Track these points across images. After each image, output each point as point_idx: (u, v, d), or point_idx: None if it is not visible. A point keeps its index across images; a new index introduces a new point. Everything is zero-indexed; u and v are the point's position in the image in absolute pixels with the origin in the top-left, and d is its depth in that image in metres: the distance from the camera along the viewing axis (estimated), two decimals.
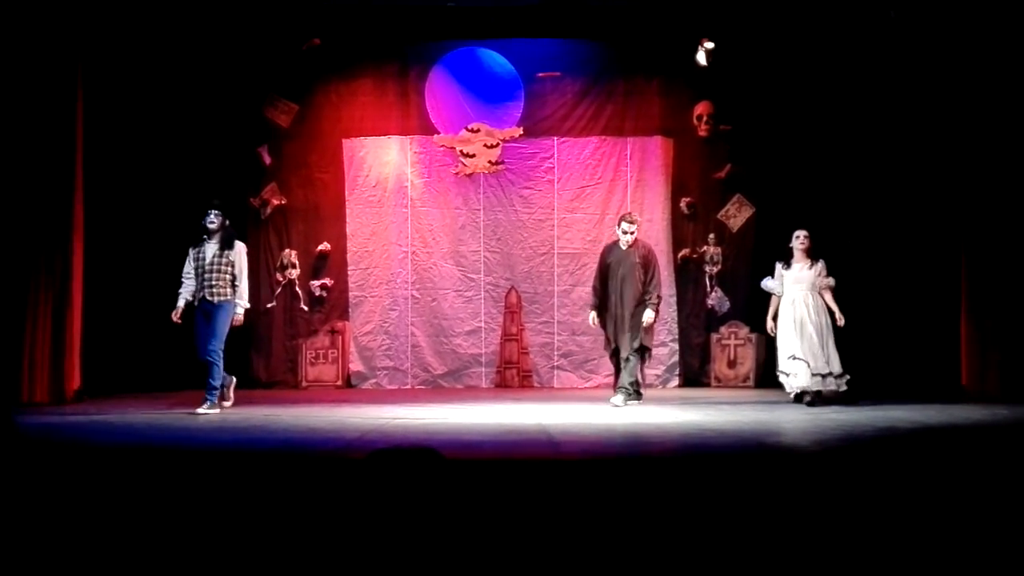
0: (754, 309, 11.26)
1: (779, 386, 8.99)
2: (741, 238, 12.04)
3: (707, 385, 11.64)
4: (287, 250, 12.22)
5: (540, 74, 12.19)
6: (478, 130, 12.22)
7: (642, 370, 9.70)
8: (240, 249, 8.72)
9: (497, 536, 3.61)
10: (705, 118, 12.04)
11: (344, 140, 12.27)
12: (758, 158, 11.82)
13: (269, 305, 12.17)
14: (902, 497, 4.06)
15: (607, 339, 9.46)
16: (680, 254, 11.97)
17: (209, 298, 8.51)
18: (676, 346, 11.89)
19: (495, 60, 12.28)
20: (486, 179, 12.22)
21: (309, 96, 12.25)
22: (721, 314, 11.92)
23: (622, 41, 12.01)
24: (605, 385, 11.93)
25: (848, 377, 8.69)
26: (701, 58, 11.24)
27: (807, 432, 6.32)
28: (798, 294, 8.87)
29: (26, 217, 9.35)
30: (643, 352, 9.31)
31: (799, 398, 8.74)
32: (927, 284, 10.67)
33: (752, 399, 9.63)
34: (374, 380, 12.09)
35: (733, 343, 11.80)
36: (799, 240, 8.97)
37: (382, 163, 12.27)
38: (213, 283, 8.51)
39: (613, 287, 9.25)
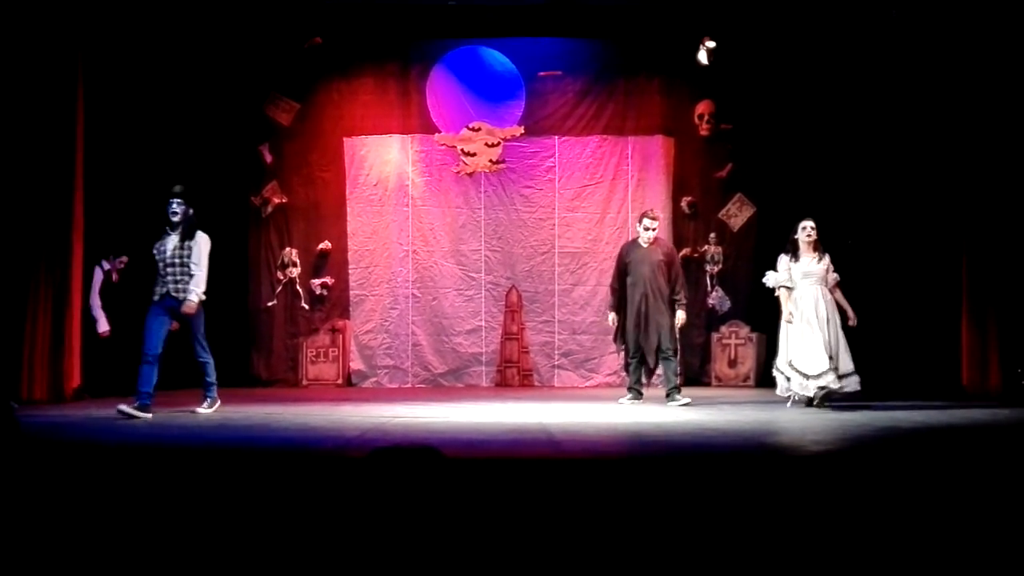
0: (755, 309, 11.26)
1: None
2: (742, 237, 12.04)
3: (707, 385, 11.64)
4: (288, 248, 12.23)
5: (541, 73, 12.19)
6: (479, 129, 12.22)
7: (654, 372, 9.42)
8: (202, 240, 8.08)
9: (497, 535, 3.61)
10: (706, 117, 12.04)
11: (345, 139, 12.28)
12: (759, 157, 11.82)
13: (270, 303, 12.18)
14: (903, 497, 4.06)
15: (621, 338, 9.20)
16: (681, 253, 11.92)
17: (174, 294, 7.92)
18: (676, 346, 11.89)
19: (496, 59, 12.28)
20: (487, 178, 12.22)
21: (310, 94, 12.26)
22: (722, 313, 11.92)
23: (623, 40, 12.01)
24: (605, 384, 11.94)
25: (859, 377, 8.25)
26: (702, 57, 11.23)
27: (807, 432, 6.32)
28: (807, 289, 8.39)
29: (26, 215, 9.34)
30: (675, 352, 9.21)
31: (806, 401, 8.33)
32: (928, 284, 10.66)
33: (753, 399, 9.62)
34: (375, 379, 12.09)
35: (734, 343, 11.80)
36: (806, 232, 8.45)
37: (383, 162, 12.27)
38: (177, 278, 7.93)
39: (635, 286, 9.05)
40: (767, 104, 11.65)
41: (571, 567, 3.47)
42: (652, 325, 8.94)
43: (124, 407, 7.55)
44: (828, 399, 8.24)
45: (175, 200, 7.98)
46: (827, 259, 8.48)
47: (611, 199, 12.19)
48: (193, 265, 7.91)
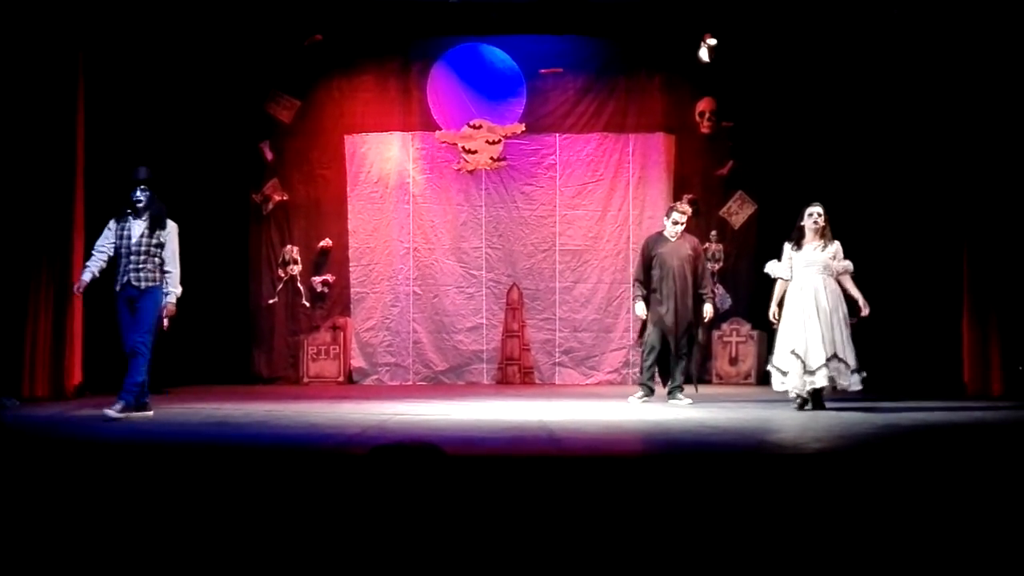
0: (756, 306, 11.25)
1: None
2: (743, 235, 12.04)
3: (708, 382, 11.64)
4: (289, 246, 12.23)
5: (542, 70, 12.19)
6: (480, 126, 12.21)
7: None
8: (172, 229, 7.67)
9: (497, 532, 3.61)
10: (707, 115, 12.04)
11: (346, 136, 12.28)
12: (760, 155, 11.82)
13: (271, 301, 12.18)
14: (903, 496, 4.05)
15: (647, 332, 8.87)
16: None
17: (135, 283, 7.46)
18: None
19: (497, 56, 12.27)
20: (488, 175, 12.22)
21: (311, 92, 12.26)
22: (723, 311, 11.92)
23: (624, 37, 12.01)
24: (606, 382, 11.94)
25: (864, 374, 7.77)
26: (703, 54, 11.22)
27: (808, 430, 6.32)
28: (808, 279, 7.84)
29: (27, 213, 9.34)
30: (695, 346, 9.09)
31: (801, 402, 7.84)
32: (929, 282, 10.65)
33: (753, 396, 9.61)
34: (375, 376, 12.10)
35: (735, 340, 11.80)
36: (812, 218, 7.91)
37: (384, 159, 12.27)
38: (140, 266, 7.47)
39: (665, 280, 8.76)
40: (768, 102, 11.65)
41: (572, 565, 3.47)
42: (681, 321, 8.74)
43: (111, 410, 7.17)
44: (821, 399, 7.82)
45: (139, 188, 7.57)
46: (835, 247, 7.95)
47: (612, 197, 12.19)
48: (168, 260, 7.55)
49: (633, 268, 9.22)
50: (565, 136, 12.21)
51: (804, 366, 7.66)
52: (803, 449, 5.37)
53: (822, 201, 8.07)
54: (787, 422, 6.90)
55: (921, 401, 8.65)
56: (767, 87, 11.63)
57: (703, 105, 12.06)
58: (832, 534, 3.66)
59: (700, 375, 11.74)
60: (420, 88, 12.24)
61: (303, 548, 3.58)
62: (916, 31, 10.44)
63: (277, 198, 12.24)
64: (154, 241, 7.53)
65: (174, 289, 7.57)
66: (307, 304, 12.21)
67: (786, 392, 7.90)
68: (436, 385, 11.83)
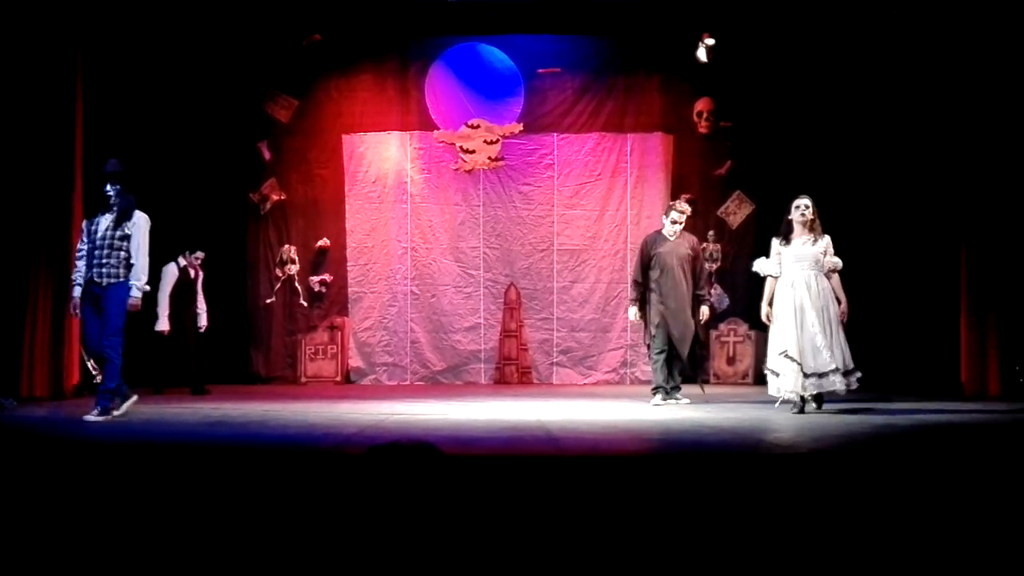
0: (753, 306, 11.22)
1: None
2: (741, 235, 12.05)
3: (706, 382, 11.63)
4: (286, 246, 12.23)
5: (540, 70, 12.20)
6: (478, 126, 12.22)
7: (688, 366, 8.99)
8: (140, 220, 7.21)
9: (495, 532, 3.61)
10: (705, 115, 12.06)
11: (344, 136, 12.28)
12: (758, 155, 11.84)
13: (268, 301, 12.19)
14: (900, 496, 4.06)
15: (651, 334, 8.74)
16: None
17: (97, 279, 7.09)
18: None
19: (495, 56, 12.28)
20: (486, 175, 12.23)
21: (309, 91, 12.26)
22: (720, 311, 11.93)
23: (623, 37, 12.02)
24: (604, 382, 11.95)
25: (859, 374, 7.43)
26: (701, 54, 11.24)
27: (805, 430, 6.32)
28: (799, 275, 7.47)
29: (26, 213, 9.34)
30: (698, 347, 9.01)
31: (800, 404, 7.47)
32: (927, 281, 10.66)
33: (751, 396, 9.61)
34: (373, 376, 12.10)
35: (732, 340, 11.81)
36: (800, 211, 7.53)
37: (382, 159, 12.27)
38: (103, 261, 7.09)
39: (664, 280, 8.64)
40: (766, 102, 11.66)
41: (569, 564, 3.48)
42: (683, 320, 8.64)
43: (90, 415, 7.02)
44: (822, 400, 7.58)
45: (109, 182, 7.18)
46: (825, 241, 7.56)
47: (610, 196, 12.20)
48: (133, 250, 7.12)
49: (631, 268, 9.08)
50: (563, 136, 12.22)
51: (801, 368, 7.30)
52: (800, 449, 5.37)
53: (821, 200, 7.82)
54: (784, 422, 6.90)
55: (918, 401, 8.65)
56: (765, 87, 11.65)
57: (701, 105, 12.07)
58: (829, 534, 3.66)
59: (698, 375, 11.80)
60: (418, 88, 12.25)
61: (300, 548, 3.58)
62: (914, 31, 10.45)
63: (275, 198, 12.24)
64: (119, 234, 7.11)
65: (136, 282, 7.14)
66: (305, 304, 12.21)
67: (780, 396, 7.54)
68: (434, 385, 11.83)
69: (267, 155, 12.20)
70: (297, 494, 4.01)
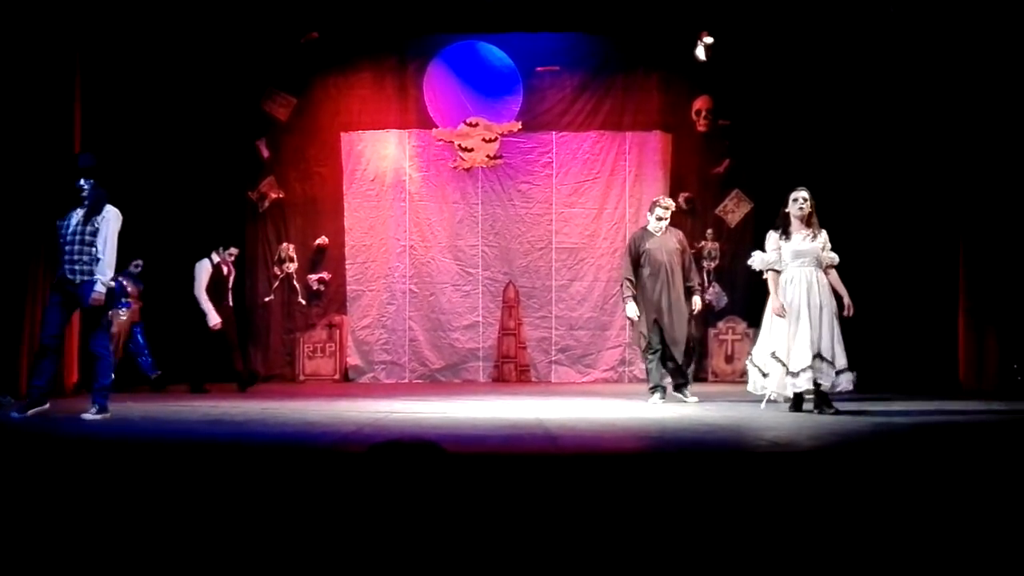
0: (752, 304, 11.27)
1: None
2: (739, 233, 12.06)
3: (704, 380, 11.65)
4: (285, 244, 12.23)
5: (539, 68, 12.20)
6: (476, 124, 12.22)
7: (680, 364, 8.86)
8: (110, 215, 7.05)
9: (494, 530, 3.61)
10: (704, 113, 12.06)
11: (342, 134, 12.29)
12: (757, 153, 11.84)
13: (267, 299, 12.19)
14: (897, 494, 4.07)
15: (642, 334, 8.72)
16: None
17: (70, 276, 6.96)
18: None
19: (494, 54, 12.28)
20: (484, 173, 12.23)
21: (307, 89, 12.26)
22: (718, 309, 11.94)
23: (621, 35, 12.02)
24: (603, 380, 11.96)
25: (854, 373, 7.22)
26: (700, 53, 11.25)
27: (803, 428, 6.32)
28: (798, 271, 7.28)
29: (24, 212, 9.34)
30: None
31: (797, 401, 7.39)
32: (925, 280, 10.68)
33: (749, 395, 9.61)
34: (371, 374, 12.10)
35: (730, 338, 11.82)
36: (798, 204, 7.32)
37: (380, 157, 12.27)
38: (75, 258, 6.95)
39: (655, 276, 8.61)
40: (765, 100, 11.67)
41: (568, 563, 3.48)
42: (676, 316, 8.59)
43: (88, 414, 7.01)
44: (827, 398, 7.32)
45: (83, 178, 7.02)
46: (823, 236, 7.36)
47: (608, 195, 12.20)
48: (99, 246, 6.96)
49: (623, 267, 9.04)
50: (562, 134, 12.22)
51: (786, 369, 7.19)
52: (798, 447, 5.38)
53: (820, 198, 7.60)
54: (784, 420, 6.90)
55: (916, 399, 8.66)
56: (764, 85, 11.65)
57: (700, 103, 12.07)
58: (827, 532, 3.67)
59: (696, 372, 11.80)
60: (417, 86, 12.25)
61: (300, 546, 3.58)
62: (912, 29, 10.46)
63: (273, 196, 12.23)
64: (89, 228, 6.96)
65: (101, 277, 6.96)
66: (303, 302, 12.21)
67: (765, 395, 7.47)
68: (432, 383, 11.84)
69: (265, 153, 12.19)
70: (296, 492, 4.01)
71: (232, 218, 12.06)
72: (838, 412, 7.18)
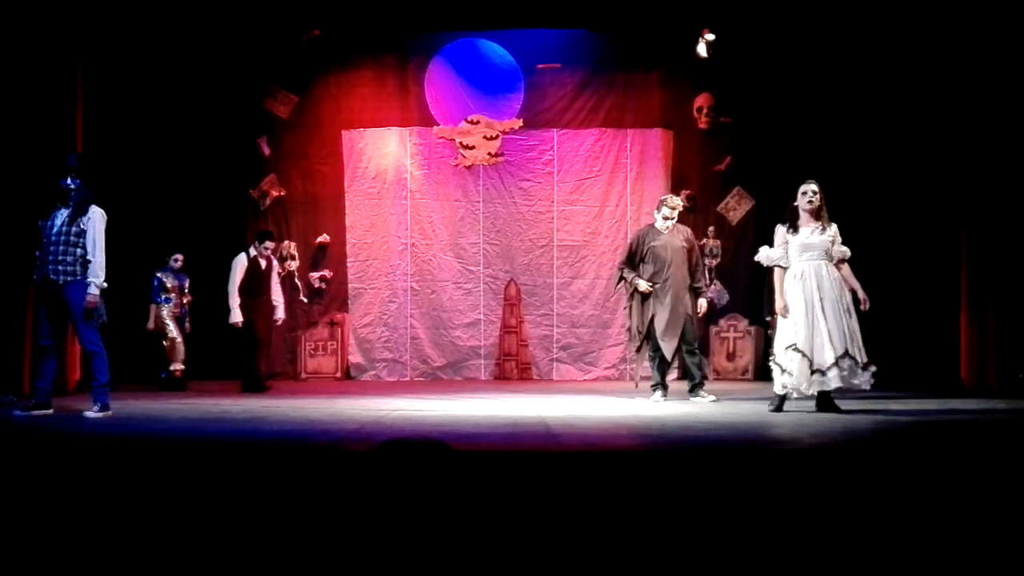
0: (754, 302, 11.27)
1: None
2: (741, 231, 12.05)
3: (705, 378, 11.63)
4: (286, 242, 12.23)
5: (540, 66, 12.19)
6: (478, 122, 12.22)
7: (670, 365, 8.88)
8: (96, 215, 7.00)
9: (495, 527, 3.61)
10: (705, 110, 12.05)
11: (344, 131, 12.28)
12: (758, 151, 11.83)
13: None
14: (900, 492, 4.06)
15: (638, 331, 8.59)
16: None
17: (54, 277, 6.90)
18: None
19: (495, 51, 12.27)
20: (486, 171, 12.23)
21: (308, 87, 12.26)
22: (720, 307, 11.93)
23: (622, 33, 12.02)
24: (604, 378, 11.95)
25: (874, 368, 7.01)
26: (701, 50, 11.24)
27: (805, 426, 6.32)
28: (808, 264, 7.09)
29: (27, 211, 9.33)
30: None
31: (782, 401, 7.24)
32: (927, 278, 10.67)
33: (751, 392, 9.62)
34: (373, 372, 12.11)
35: (732, 336, 11.81)
36: (807, 197, 7.17)
37: (381, 154, 12.27)
38: (59, 258, 6.88)
39: (660, 274, 8.49)
40: (766, 97, 11.65)
41: (569, 560, 3.48)
42: (678, 317, 8.48)
43: (90, 412, 6.99)
44: (831, 399, 7.17)
45: (71, 176, 6.94)
46: (833, 229, 7.21)
47: (610, 192, 12.20)
48: (89, 246, 6.91)
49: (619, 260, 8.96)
50: (563, 132, 12.22)
51: (811, 364, 6.94)
52: (800, 445, 5.38)
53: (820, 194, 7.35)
54: (785, 418, 6.90)
55: (918, 398, 8.66)
56: (765, 83, 11.64)
57: (701, 101, 12.06)
58: (829, 530, 3.67)
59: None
60: (418, 83, 12.25)
61: (303, 544, 3.58)
62: (914, 24, 10.44)
63: (275, 194, 12.24)
64: (75, 229, 6.90)
65: (94, 279, 6.93)
66: (305, 300, 12.22)
67: (785, 394, 7.17)
68: (434, 381, 11.84)
69: (267, 151, 12.19)
70: (298, 491, 4.02)
71: (234, 216, 12.07)
72: (840, 411, 7.13)
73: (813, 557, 3.48)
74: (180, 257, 10.67)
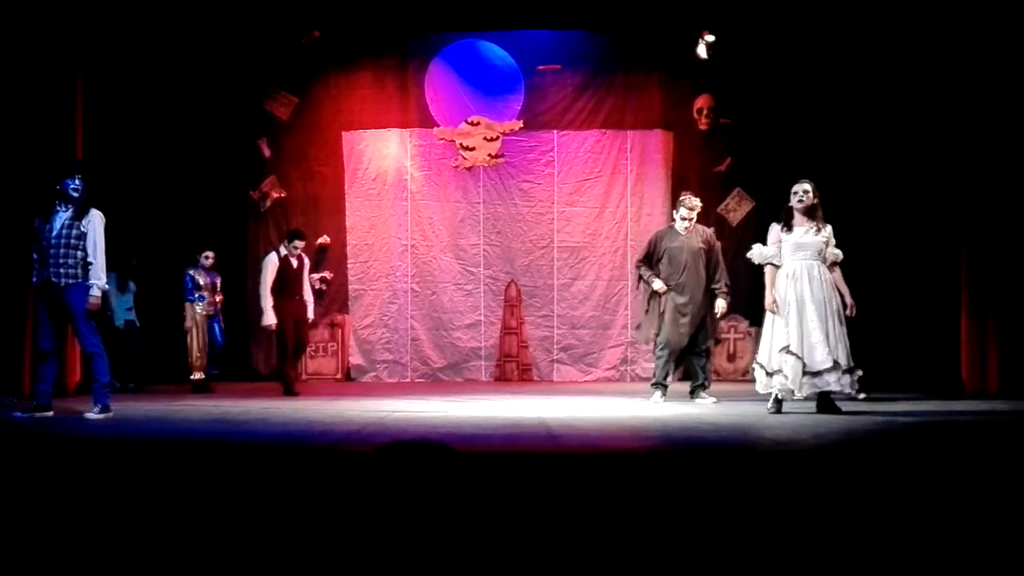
0: (754, 303, 11.24)
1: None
2: (741, 232, 12.05)
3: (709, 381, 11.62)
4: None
5: (540, 67, 12.20)
6: (478, 123, 12.22)
7: (679, 367, 8.84)
8: (96, 217, 7.06)
9: (495, 529, 3.61)
10: (705, 111, 12.06)
11: (344, 133, 12.29)
12: (758, 152, 11.84)
13: None
14: (901, 494, 4.06)
15: (655, 331, 8.56)
16: None
17: (55, 279, 6.95)
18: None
19: (495, 53, 12.28)
20: (486, 172, 12.23)
21: (309, 89, 12.27)
22: None
23: (623, 34, 12.03)
24: (604, 379, 11.96)
25: (860, 373, 7.04)
26: (701, 51, 11.24)
27: (806, 427, 6.31)
28: (800, 264, 7.06)
29: (27, 213, 9.33)
30: (712, 342, 8.87)
31: (781, 402, 7.20)
32: (927, 279, 10.66)
33: (751, 393, 9.60)
34: (373, 373, 12.11)
35: (732, 337, 11.82)
36: (797, 197, 7.15)
37: (382, 156, 12.27)
38: (60, 260, 6.94)
39: (676, 275, 8.46)
40: (766, 99, 11.66)
41: (569, 561, 3.48)
42: (691, 319, 8.45)
43: (91, 413, 7.00)
44: (832, 401, 7.16)
45: (78, 177, 7.00)
46: (828, 231, 7.17)
47: (610, 193, 12.20)
48: (90, 248, 6.98)
49: (634, 259, 8.94)
50: (563, 133, 12.22)
51: (804, 366, 6.92)
52: (800, 446, 5.37)
53: (822, 196, 7.34)
54: (785, 419, 6.89)
55: (919, 399, 8.66)
56: (765, 84, 11.65)
57: (701, 102, 12.07)
58: (829, 531, 3.67)
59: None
60: (418, 85, 12.25)
61: (302, 546, 3.58)
62: (914, 27, 10.44)
63: (275, 195, 12.24)
64: (75, 232, 6.96)
65: (96, 281, 7.01)
66: None
67: (772, 394, 7.17)
68: (434, 382, 11.84)
69: (267, 152, 12.20)
70: (298, 492, 4.01)
71: (234, 217, 12.08)
72: (840, 412, 7.12)
73: (814, 558, 3.47)
74: (211, 254, 10.51)
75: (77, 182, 7.01)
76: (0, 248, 9.22)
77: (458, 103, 12.28)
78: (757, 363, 7.27)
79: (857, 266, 8.07)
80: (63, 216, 7.01)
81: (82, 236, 6.97)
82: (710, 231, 8.96)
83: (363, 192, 12.29)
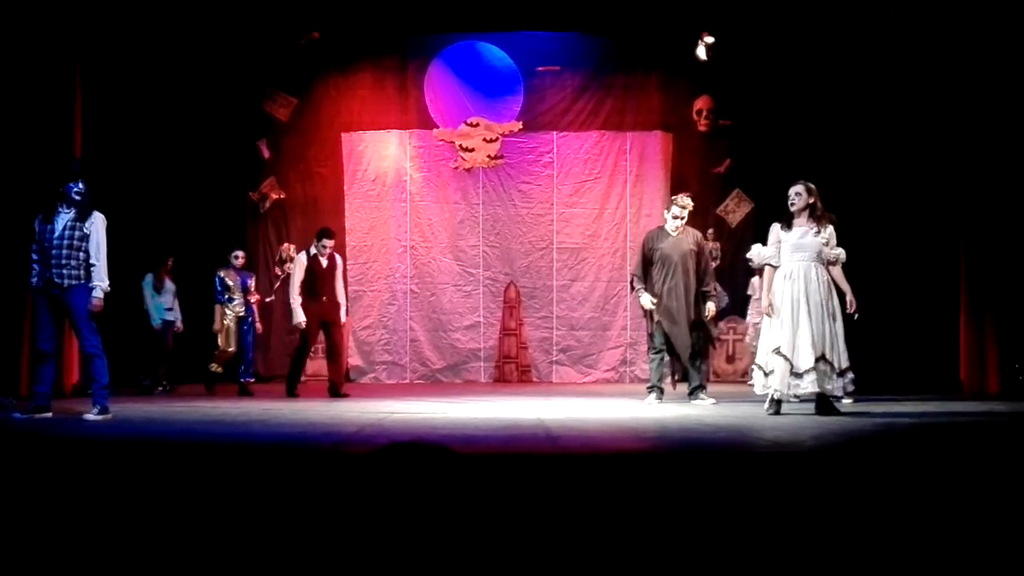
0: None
1: None
2: (740, 233, 12.06)
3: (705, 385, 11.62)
4: (285, 244, 12.24)
5: (540, 68, 12.21)
6: (477, 124, 12.23)
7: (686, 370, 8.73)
8: (98, 219, 7.07)
9: (494, 530, 3.61)
10: (705, 113, 12.07)
11: (343, 134, 12.30)
12: (757, 153, 11.85)
13: (268, 299, 12.18)
14: (900, 495, 4.06)
15: (649, 332, 8.61)
16: None
17: (58, 280, 6.95)
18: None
19: (494, 54, 12.29)
20: (485, 173, 12.24)
21: (308, 90, 12.28)
22: (720, 309, 11.90)
23: (622, 35, 12.04)
24: (603, 380, 11.96)
25: (852, 375, 6.97)
26: (701, 53, 11.25)
27: (805, 428, 6.31)
28: (798, 265, 7.00)
29: (25, 214, 9.34)
30: (710, 344, 8.85)
31: (779, 403, 7.10)
32: (926, 280, 10.67)
33: (750, 395, 9.60)
34: (372, 374, 12.11)
35: (732, 338, 11.82)
36: (790, 199, 7.11)
37: (381, 157, 12.28)
38: (63, 262, 6.94)
39: (666, 277, 8.42)
40: (765, 100, 11.67)
41: (568, 562, 3.48)
42: (685, 319, 8.41)
43: (91, 415, 6.98)
44: (829, 402, 7.07)
45: (80, 180, 7.02)
46: (828, 232, 7.08)
47: (609, 195, 12.20)
48: (93, 250, 6.99)
49: (631, 265, 8.96)
50: (562, 134, 12.23)
51: (791, 367, 6.90)
52: (799, 447, 5.37)
53: (821, 197, 7.30)
54: (785, 420, 6.89)
55: (918, 400, 8.66)
56: (764, 85, 11.65)
57: (701, 103, 12.08)
58: (828, 532, 3.67)
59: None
60: (417, 86, 12.26)
61: (301, 547, 3.58)
62: (913, 29, 10.45)
63: (274, 196, 12.24)
64: (78, 234, 6.97)
65: (99, 283, 7.02)
66: None
67: (768, 395, 7.11)
68: (433, 383, 11.84)
69: (266, 154, 12.20)
70: (297, 493, 4.01)
71: (233, 219, 12.08)
72: (839, 413, 7.10)
73: (813, 559, 3.47)
74: (241, 254, 10.32)
75: (80, 186, 7.02)
76: None
77: (457, 104, 12.29)
78: (756, 364, 7.30)
79: (857, 267, 8.07)
80: (65, 217, 7.02)
81: (84, 238, 6.99)
82: (700, 234, 8.91)
83: (362, 193, 12.29)
